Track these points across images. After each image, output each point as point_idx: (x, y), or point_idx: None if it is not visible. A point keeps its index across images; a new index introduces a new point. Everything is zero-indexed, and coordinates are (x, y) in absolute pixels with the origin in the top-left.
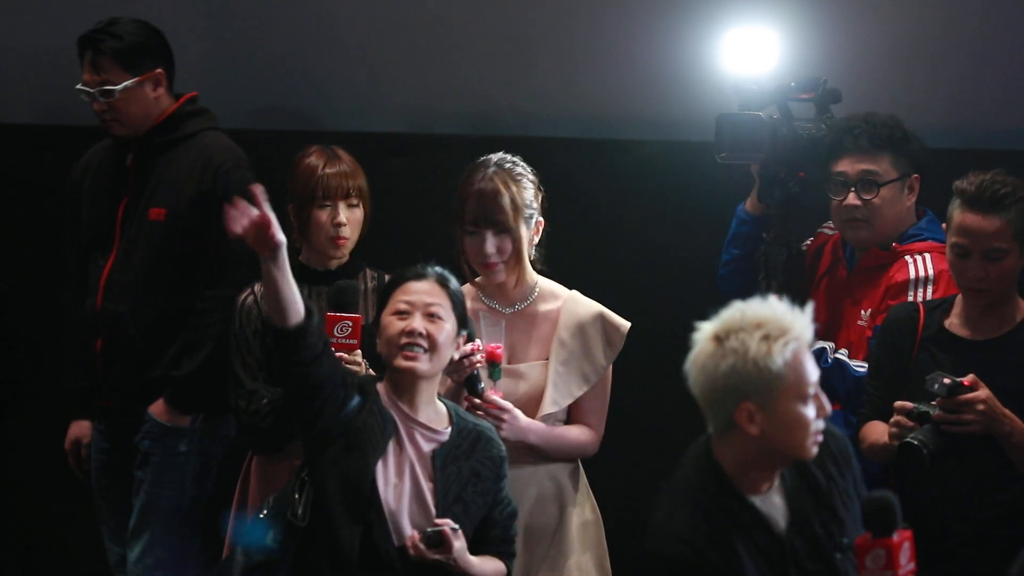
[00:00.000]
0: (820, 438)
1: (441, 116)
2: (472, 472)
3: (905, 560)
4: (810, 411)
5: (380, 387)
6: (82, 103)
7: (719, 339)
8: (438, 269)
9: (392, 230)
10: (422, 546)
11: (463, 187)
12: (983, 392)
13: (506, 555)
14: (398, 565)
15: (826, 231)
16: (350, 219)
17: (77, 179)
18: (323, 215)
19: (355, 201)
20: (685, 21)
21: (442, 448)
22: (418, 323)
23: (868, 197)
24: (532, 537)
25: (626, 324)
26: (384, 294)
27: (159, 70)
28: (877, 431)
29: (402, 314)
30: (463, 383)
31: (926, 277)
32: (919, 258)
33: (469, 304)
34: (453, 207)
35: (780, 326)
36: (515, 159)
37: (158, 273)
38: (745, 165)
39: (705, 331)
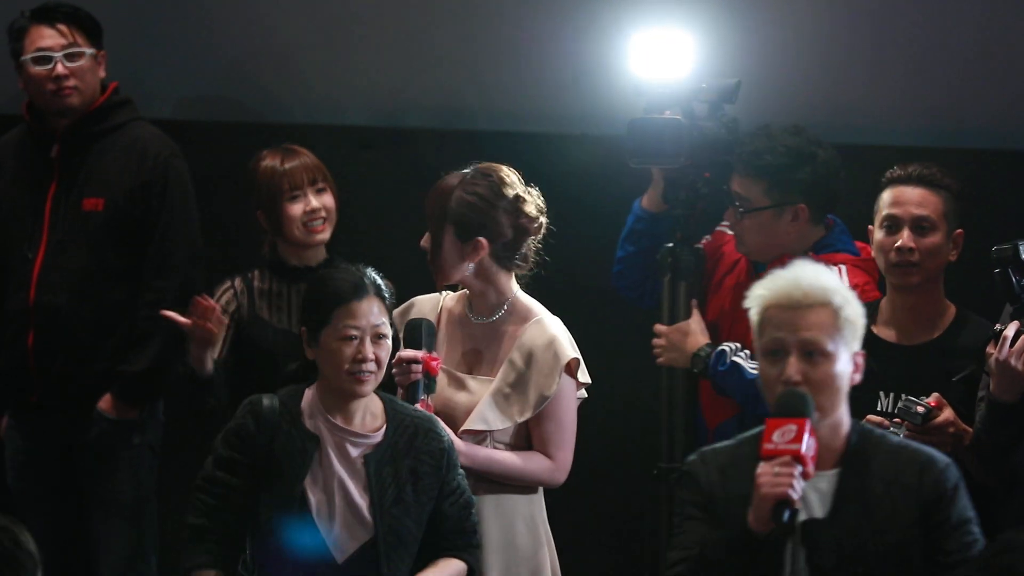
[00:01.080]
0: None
1: (411, 109)
2: (410, 471)
3: (808, 445)
4: None
5: (308, 393)
6: None
7: None
8: (371, 279)
9: (362, 223)
10: None
11: None
12: (949, 413)
13: (464, 548)
14: None
15: (725, 230)
16: (323, 204)
17: None
18: (295, 207)
19: (322, 186)
20: (593, 21)
21: (375, 452)
22: (369, 350)
23: (737, 219)
24: None
25: (568, 355)
26: (322, 309)
27: (104, 52)
28: None
29: (349, 340)
30: (405, 389)
31: None
32: (834, 269)
33: (456, 309)
34: None
35: None
36: (490, 173)
37: (98, 264)
38: None
39: None
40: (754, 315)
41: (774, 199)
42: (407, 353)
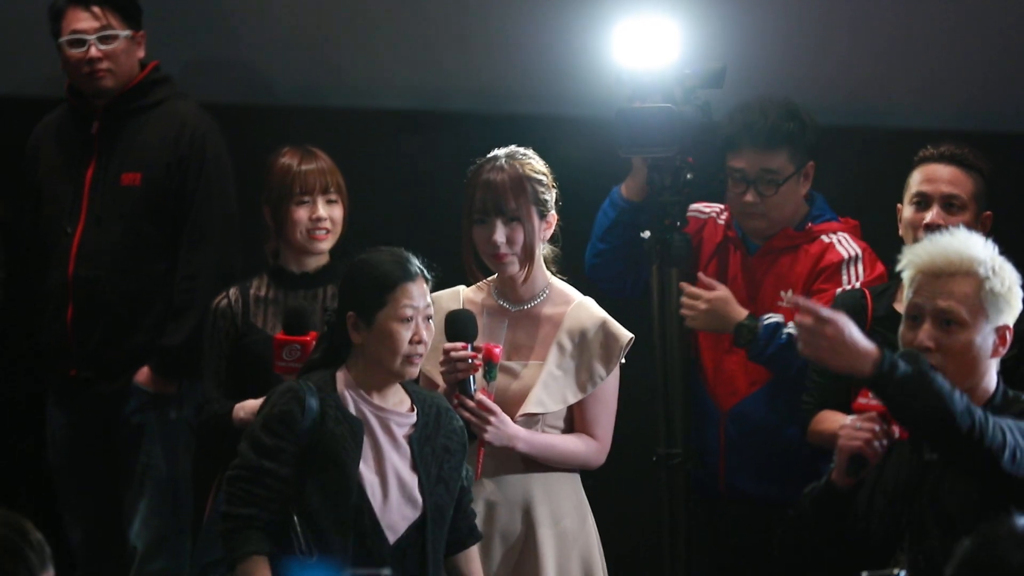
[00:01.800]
0: None
1: (452, 93)
2: (443, 448)
3: None
4: None
5: (340, 376)
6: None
7: None
8: (415, 260)
9: (400, 208)
10: None
11: (472, 179)
12: None
13: (474, 526)
14: (392, 563)
15: (697, 214)
16: (330, 215)
17: (31, 154)
18: (301, 211)
19: (334, 197)
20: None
21: (415, 431)
22: (424, 332)
23: (768, 194)
24: (494, 547)
25: (626, 335)
26: (376, 291)
27: (143, 32)
28: (835, 420)
29: (407, 321)
30: (455, 383)
31: (856, 256)
32: (840, 237)
33: (479, 299)
34: (463, 200)
35: None
36: (527, 151)
37: (135, 238)
38: None
39: None
40: (906, 277)
41: (796, 163)
42: (460, 347)
